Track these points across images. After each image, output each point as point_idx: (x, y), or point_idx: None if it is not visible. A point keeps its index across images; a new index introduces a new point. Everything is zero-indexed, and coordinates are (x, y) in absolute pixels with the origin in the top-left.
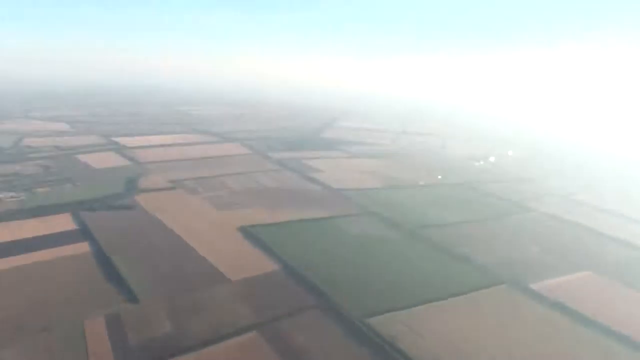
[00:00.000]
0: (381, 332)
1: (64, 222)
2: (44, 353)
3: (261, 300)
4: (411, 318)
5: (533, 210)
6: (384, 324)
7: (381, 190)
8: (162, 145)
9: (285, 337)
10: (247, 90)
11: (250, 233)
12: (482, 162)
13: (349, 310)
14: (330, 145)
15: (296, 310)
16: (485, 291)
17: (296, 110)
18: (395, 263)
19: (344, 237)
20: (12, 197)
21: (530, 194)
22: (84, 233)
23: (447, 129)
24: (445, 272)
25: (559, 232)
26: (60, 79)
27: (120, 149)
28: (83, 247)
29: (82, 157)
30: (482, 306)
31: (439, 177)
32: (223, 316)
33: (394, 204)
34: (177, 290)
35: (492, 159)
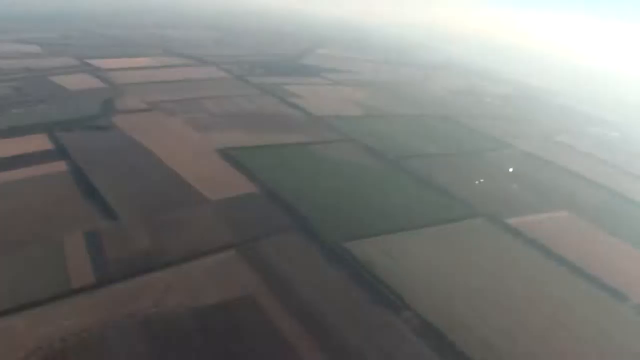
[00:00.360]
0: (357, 255)
1: (39, 142)
2: (22, 266)
3: (239, 220)
4: (387, 244)
5: (513, 147)
6: (359, 248)
7: (361, 118)
8: (138, 68)
9: (263, 255)
10: (230, 14)
11: (229, 155)
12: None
13: (325, 234)
14: (311, 72)
15: (274, 231)
16: (462, 223)
17: (277, 35)
18: (374, 191)
19: (323, 162)
20: None
21: (512, 132)
22: (60, 153)
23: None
24: (424, 202)
25: (537, 171)
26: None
27: (94, 71)
28: (60, 165)
29: (56, 79)
30: (457, 237)
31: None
32: (202, 234)
33: (373, 133)
34: (156, 208)
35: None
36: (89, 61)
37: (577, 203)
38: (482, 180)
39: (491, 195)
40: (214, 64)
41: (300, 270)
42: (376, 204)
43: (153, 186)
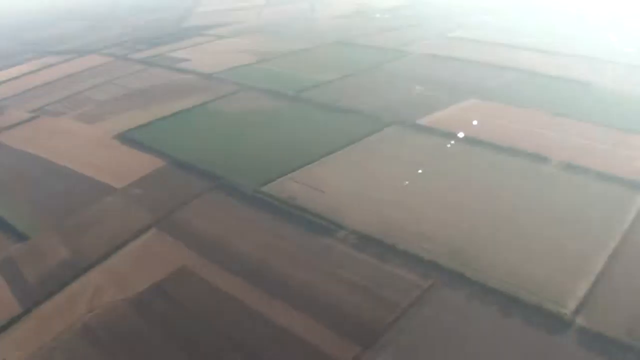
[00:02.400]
0: (279, 195)
1: None
2: None
3: (152, 199)
4: (307, 176)
5: (410, 53)
6: (280, 188)
7: (255, 65)
8: (14, 78)
9: (184, 223)
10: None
11: (127, 138)
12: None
13: (243, 185)
14: (193, 33)
15: (191, 197)
16: (375, 135)
17: (148, 7)
18: (281, 130)
19: (224, 117)
20: None
21: (406, 40)
22: None
23: None
24: (332, 126)
25: (438, 69)
26: None
27: None
28: None
29: None
30: (374, 149)
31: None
32: (117, 224)
33: (270, 76)
34: (64, 215)
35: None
36: None
37: (485, 88)
38: (416, 89)
39: (398, 103)
40: (92, 52)
41: (225, 225)
42: (285, 143)
43: (56, 194)
